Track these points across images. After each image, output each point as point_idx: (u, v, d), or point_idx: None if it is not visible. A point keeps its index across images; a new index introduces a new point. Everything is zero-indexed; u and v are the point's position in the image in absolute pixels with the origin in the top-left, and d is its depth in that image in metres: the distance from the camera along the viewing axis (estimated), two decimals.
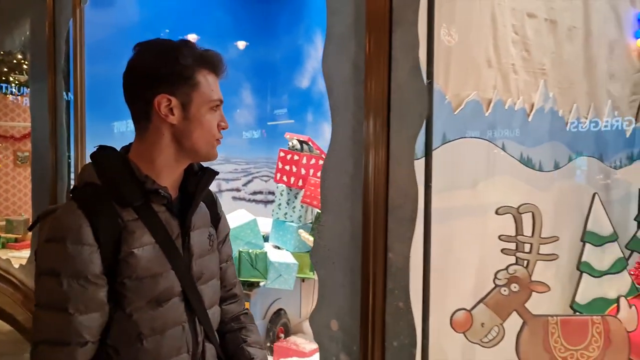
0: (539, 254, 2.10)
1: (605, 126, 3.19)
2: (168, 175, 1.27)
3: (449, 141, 2.33)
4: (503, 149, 2.56)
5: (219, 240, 1.45)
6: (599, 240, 2.95)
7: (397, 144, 2.01)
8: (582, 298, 2.78)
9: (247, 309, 1.55)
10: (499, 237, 2.08)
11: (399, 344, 2.01)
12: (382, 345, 2.01)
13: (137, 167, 1.23)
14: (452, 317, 2.06)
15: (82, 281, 1.15)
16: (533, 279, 2.76)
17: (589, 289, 2.77)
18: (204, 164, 1.37)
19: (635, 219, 3.22)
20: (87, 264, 1.14)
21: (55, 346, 1.15)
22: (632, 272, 2.47)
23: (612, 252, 2.79)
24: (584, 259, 2.92)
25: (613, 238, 2.99)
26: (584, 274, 2.91)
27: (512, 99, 2.61)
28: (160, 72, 1.21)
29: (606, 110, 3.19)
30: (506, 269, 2.08)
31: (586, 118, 3.07)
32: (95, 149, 1.27)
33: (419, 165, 2.08)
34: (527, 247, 2.10)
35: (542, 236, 2.09)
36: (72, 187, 1.27)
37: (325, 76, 2.16)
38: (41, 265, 1.18)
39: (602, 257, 2.88)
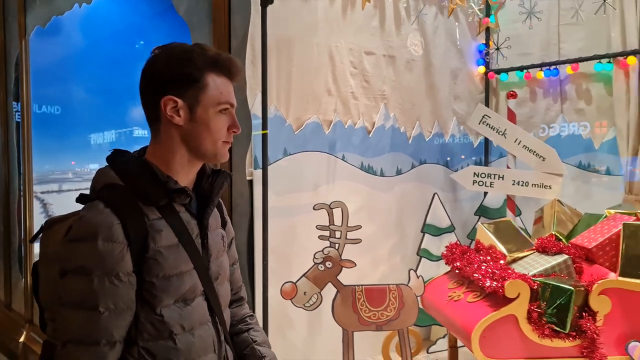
0: (347, 239, 2.77)
1: (452, 139, 3.91)
2: (184, 176, 1.26)
3: (291, 154, 3.01)
4: (343, 159, 3.25)
5: (226, 243, 1.45)
6: (437, 231, 3.65)
7: (236, 158, 2.69)
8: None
9: (251, 311, 1.57)
10: (316, 226, 2.76)
11: None
12: None
13: (158, 168, 1.23)
14: (281, 287, 2.73)
15: (114, 279, 1.12)
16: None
17: (426, 270, 3.45)
18: (218, 166, 1.35)
19: (474, 214, 3.94)
20: (119, 262, 1.12)
21: (84, 346, 1.12)
22: (442, 254, 3.12)
23: (449, 241, 3.46)
24: (423, 246, 3.61)
25: (450, 229, 3.69)
26: (423, 258, 3.60)
27: (353, 119, 3.30)
28: (168, 75, 1.20)
29: (452, 125, 3.91)
30: (322, 250, 2.75)
31: (430, 132, 3.77)
32: (110, 153, 1.26)
33: (258, 174, 2.76)
34: (338, 234, 2.78)
35: (349, 225, 2.77)
36: (79, 194, 1.25)
37: None
38: (66, 265, 1.14)
39: (439, 244, 3.57)
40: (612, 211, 2.87)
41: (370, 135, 3.39)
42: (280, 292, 2.73)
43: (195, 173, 1.29)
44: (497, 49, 3.95)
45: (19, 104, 4.72)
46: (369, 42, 3.35)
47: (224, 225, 1.42)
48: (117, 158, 1.24)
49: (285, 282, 2.74)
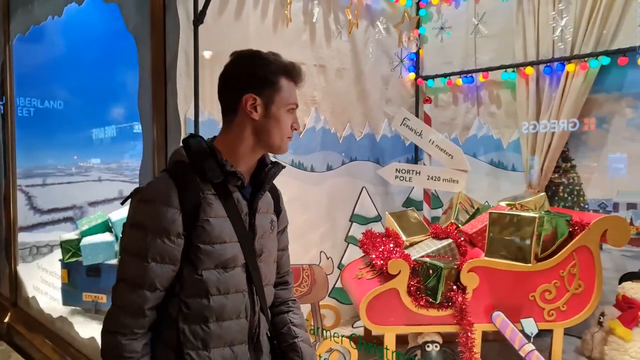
0: None
1: (383, 139, 4.36)
2: (245, 162, 1.43)
3: None
4: (274, 157, 3.70)
5: (278, 229, 1.61)
6: (364, 221, 4.10)
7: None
8: (347, 260, 3.91)
9: (294, 297, 1.73)
10: None
11: None
12: None
13: (219, 152, 1.40)
14: None
15: (164, 237, 1.31)
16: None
17: (353, 255, 3.90)
18: (274, 159, 1.58)
19: (402, 205, 4.39)
20: (170, 223, 1.31)
21: (132, 286, 1.33)
22: (359, 240, 3.57)
23: (375, 229, 3.91)
24: (350, 233, 4.07)
25: (377, 219, 4.14)
26: (350, 244, 4.06)
27: None
28: (250, 76, 1.39)
29: (383, 126, 4.36)
30: None
31: (361, 133, 4.23)
32: (187, 136, 1.46)
33: None
34: None
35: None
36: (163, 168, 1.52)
37: (139, 109, 3.32)
38: (132, 219, 1.36)
39: None
40: (503, 203, 3.33)
41: (301, 136, 3.85)
42: None
43: (255, 161, 1.47)
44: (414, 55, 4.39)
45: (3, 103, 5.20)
46: (299, 54, 3.80)
47: (277, 212, 1.60)
48: (189, 140, 1.43)
49: None
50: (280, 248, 1.64)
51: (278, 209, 1.61)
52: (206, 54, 3.29)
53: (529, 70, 3.71)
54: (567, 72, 3.53)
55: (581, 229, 2.92)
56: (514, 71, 3.83)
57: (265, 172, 1.48)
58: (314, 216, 3.92)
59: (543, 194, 3.34)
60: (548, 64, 3.62)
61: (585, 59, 3.44)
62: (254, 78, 1.40)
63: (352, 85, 4.14)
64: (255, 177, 1.49)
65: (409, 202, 4.34)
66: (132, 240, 1.35)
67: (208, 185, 1.38)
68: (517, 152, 3.92)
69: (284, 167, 1.53)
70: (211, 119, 3.43)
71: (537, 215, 2.79)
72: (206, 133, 3.43)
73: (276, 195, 1.62)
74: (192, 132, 3.16)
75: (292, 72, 1.43)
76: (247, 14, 3.54)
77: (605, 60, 3.38)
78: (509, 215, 2.86)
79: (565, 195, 3.73)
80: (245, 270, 1.43)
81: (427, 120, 3.95)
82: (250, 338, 1.48)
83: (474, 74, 4.08)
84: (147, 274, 1.32)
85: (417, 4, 4.40)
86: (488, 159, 4.13)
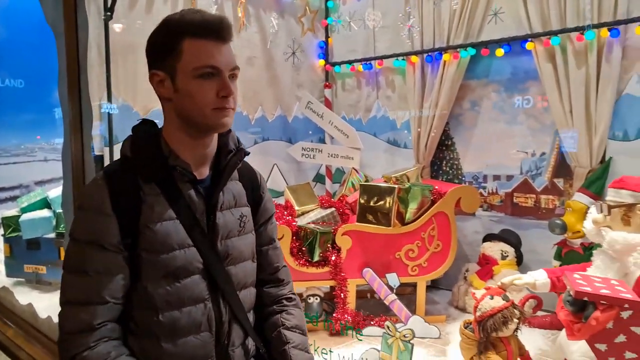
0: None
1: (295, 120, 4.81)
2: (191, 150, 1.22)
3: None
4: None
5: (258, 222, 1.39)
6: (275, 194, 4.57)
7: (86, 138, 3.55)
8: None
9: (293, 292, 1.48)
10: None
11: None
12: None
13: (166, 143, 1.20)
14: None
15: (99, 248, 1.15)
16: None
17: None
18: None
19: (312, 180, 4.88)
20: (104, 233, 1.15)
21: (78, 306, 1.15)
22: None
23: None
24: None
25: (277, 195, 4.62)
26: None
27: None
28: (151, 48, 1.19)
29: (295, 108, 4.81)
30: None
31: (273, 115, 4.67)
32: (137, 122, 1.24)
33: (107, 150, 3.63)
34: None
35: None
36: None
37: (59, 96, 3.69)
38: (69, 231, 1.20)
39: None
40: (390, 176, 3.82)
41: None
42: None
43: (206, 148, 1.24)
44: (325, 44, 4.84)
45: None
46: None
47: (256, 202, 1.37)
48: (137, 128, 1.25)
49: None
50: (264, 243, 1.41)
51: (257, 198, 1.38)
52: (116, 27, 3.65)
53: (414, 59, 4.19)
54: (444, 61, 4.02)
55: (439, 197, 3.44)
56: (403, 59, 4.30)
57: (225, 161, 1.27)
58: None
59: (415, 167, 3.86)
60: (429, 54, 4.11)
61: (457, 50, 3.93)
62: (153, 50, 1.19)
63: (263, 72, 4.56)
64: (215, 168, 1.28)
65: (318, 177, 4.83)
66: (69, 255, 1.20)
67: (151, 184, 1.19)
68: (408, 131, 4.42)
69: (247, 153, 1.33)
70: (125, 104, 3.83)
71: (395, 187, 3.29)
72: (119, 119, 3.89)
73: (254, 182, 1.40)
74: (110, 118, 3.56)
75: (200, 28, 1.14)
76: (157, 8, 3.91)
77: (471, 51, 3.87)
78: (374, 187, 3.36)
79: (447, 169, 4.26)
80: (205, 277, 1.24)
81: (327, 103, 4.41)
82: (218, 353, 1.27)
83: (372, 62, 4.54)
84: (92, 288, 1.16)
85: None
86: (385, 138, 4.62)
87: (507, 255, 3.62)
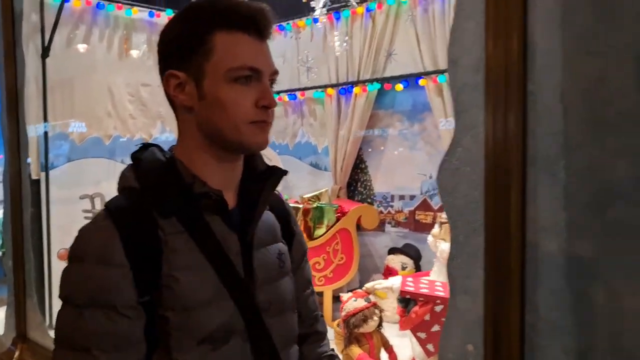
0: None
1: None
2: (217, 175, 0.94)
3: (73, 160, 4.24)
4: (122, 162, 4.50)
5: (293, 262, 1.10)
6: None
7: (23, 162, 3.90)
8: None
9: (332, 349, 1.20)
10: (82, 210, 4.02)
11: None
12: None
13: (185, 167, 0.93)
14: (58, 252, 3.98)
15: (110, 313, 0.85)
16: None
17: None
18: (271, 163, 1.04)
19: None
20: (116, 291, 0.85)
21: None
22: None
23: None
24: None
25: None
26: None
27: (131, 133, 4.56)
28: (168, 44, 0.93)
29: None
30: None
31: None
32: (137, 148, 0.99)
33: (44, 174, 3.98)
34: None
35: None
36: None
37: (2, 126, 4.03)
38: (60, 293, 0.89)
39: None
40: (306, 196, 4.26)
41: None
42: (57, 256, 3.98)
43: (235, 172, 0.99)
44: None
45: None
46: (145, 77, 4.60)
47: (289, 238, 1.10)
48: (140, 155, 0.97)
49: (61, 248, 3.99)
50: (301, 287, 1.13)
51: (289, 232, 1.11)
52: (57, 77, 4.03)
53: (330, 91, 4.68)
54: (355, 94, 4.52)
55: (342, 215, 3.89)
56: (322, 91, 4.79)
57: (258, 185, 0.99)
58: None
59: (325, 189, 4.32)
60: (343, 87, 4.60)
61: (365, 84, 4.44)
62: (171, 45, 0.93)
63: None
64: (243, 195, 1.00)
65: None
66: (62, 325, 0.88)
67: (171, 220, 0.91)
68: (327, 155, 4.89)
69: (285, 172, 1.02)
70: (62, 132, 4.20)
71: (300, 206, 3.73)
72: (59, 145, 4.27)
73: (284, 213, 1.11)
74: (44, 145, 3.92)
75: (238, 18, 0.90)
76: (93, 45, 4.31)
77: (377, 85, 4.38)
78: None
79: (361, 190, 4.73)
80: (247, 339, 0.94)
81: None
82: None
83: (296, 92, 5.02)
84: None
85: None
86: (309, 161, 5.08)
87: (407, 267, 4.07)
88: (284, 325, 1.02)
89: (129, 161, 1.00)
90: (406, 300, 2.29)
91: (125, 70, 4.49)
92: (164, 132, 4.77)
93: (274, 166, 1.01)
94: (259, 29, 0.91)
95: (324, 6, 4.06)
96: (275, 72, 0.95)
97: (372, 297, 2.73)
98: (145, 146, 0.99)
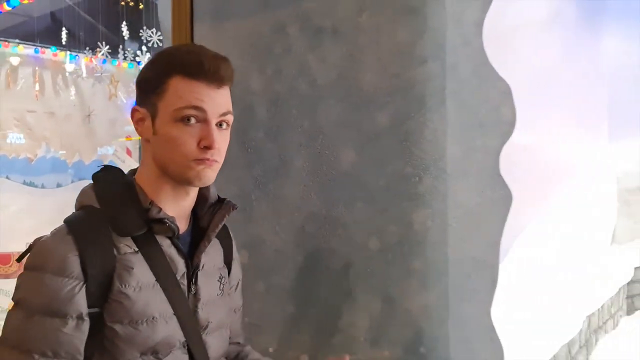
0: None
1: (112, 163, 6.00)
2: (171, 202, 1.02)
3: None
4: (7, 178, 5.19)
5: (230, 286, 1.19)
6: None
7: None
8: None
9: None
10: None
11: None
12: None
13: (143, 192, 1.00)
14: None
15: (58, 321, 0.91)
16: None
17: None
18: (222, 196, 1.12)
19: None
20: (67, 301, 0.91)
21: None
22: None
23: None
24: None
25: None
26: None
27: (17, 153, 5.26)
28: (138, 82, 1.04)
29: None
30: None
31: (90, 159, 5.83)
32: (98, 169, 1.06)
33: None
34: None
35: None
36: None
37: None
38: (15, 295, 0.95)
39: None
40: None
41: (32, 163, 5.37)
42: None
43: (188, 200, 1.05)
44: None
45: None
46: (30, 105, 5.32)
47: (229, 263, 1.19)
48: (101, 176, 1.05)
49: None
50: (235, 309, 1.24)
51: (229, 259, 1.20)
52: None
53: None
54: None
55: None
56: None
57: (209, 215, 1.08)
58: (44, 223, 5.45)
59: None
60: None
61: None
62: (139, 84, 1.04)
63: (81, 126, 5.74)
64: (195, 222, 1.10)
65: None
66: (11, 325, 0.94)
67: (127, 240, 0.98)
68: None
69: (235, 207, 1.09)
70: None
71: None
72: None
73: (228, 240, 1.21)
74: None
75: (191, 66, 0.97)
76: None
77: None
78: None
79: None
80: (187, 352, 1.03)
81: (129, 152, 5.65)
82: None
83: None
84: None
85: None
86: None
87: None
88: (219, 340, 1.11)
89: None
90: None
91: (12, 99, 5.20)
92: (49, 151, 5.50)
93: (224, 199, 1.10)
94: (211, 76, 0.98)
95: None
96: (226, 113, 1.01)
97: None
98: (107, 168, 1.08)
